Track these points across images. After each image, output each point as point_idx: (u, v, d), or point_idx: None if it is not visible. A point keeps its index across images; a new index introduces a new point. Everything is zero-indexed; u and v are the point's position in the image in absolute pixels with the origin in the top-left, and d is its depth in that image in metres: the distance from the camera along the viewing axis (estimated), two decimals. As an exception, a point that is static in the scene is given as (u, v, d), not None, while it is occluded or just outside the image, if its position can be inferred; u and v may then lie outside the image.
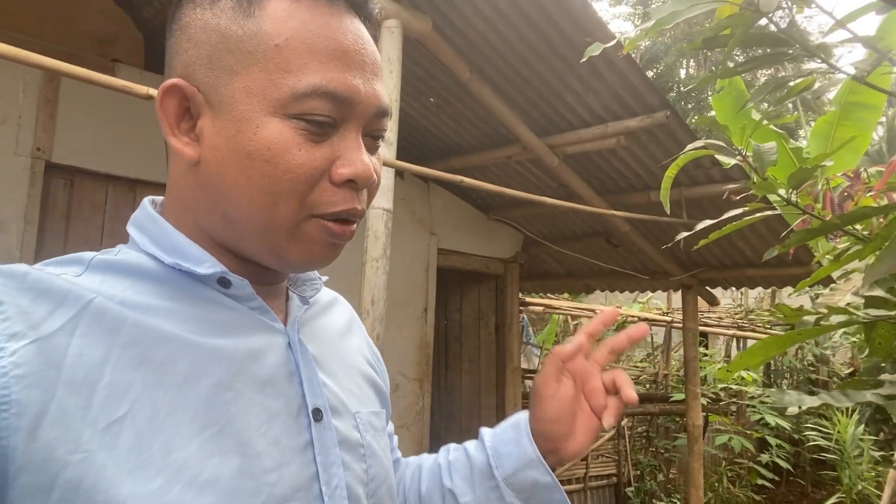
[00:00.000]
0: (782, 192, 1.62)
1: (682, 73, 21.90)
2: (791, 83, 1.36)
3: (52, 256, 0.57)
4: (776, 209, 1.80)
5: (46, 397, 0.47)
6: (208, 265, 0.59)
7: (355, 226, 0.62)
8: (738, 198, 1.80)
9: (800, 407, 1.24)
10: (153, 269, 0.59)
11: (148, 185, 3.87)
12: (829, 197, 1.81)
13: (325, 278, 0.75)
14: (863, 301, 1.46)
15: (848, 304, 1.42)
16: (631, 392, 0.71)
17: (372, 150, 0.62)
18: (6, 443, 0.46)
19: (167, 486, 0.50)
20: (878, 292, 1.28)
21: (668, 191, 1.67)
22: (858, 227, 1.59)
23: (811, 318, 1.38)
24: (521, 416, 0.78)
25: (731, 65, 1.45)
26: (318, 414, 0.62)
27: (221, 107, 0.58)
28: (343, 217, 0.60)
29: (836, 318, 1.24)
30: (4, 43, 1.48)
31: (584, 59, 1.28)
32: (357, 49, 0.59)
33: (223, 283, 0.60)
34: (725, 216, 1.72)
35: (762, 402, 7.08)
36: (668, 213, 1.87)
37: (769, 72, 22.52)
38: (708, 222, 1.69)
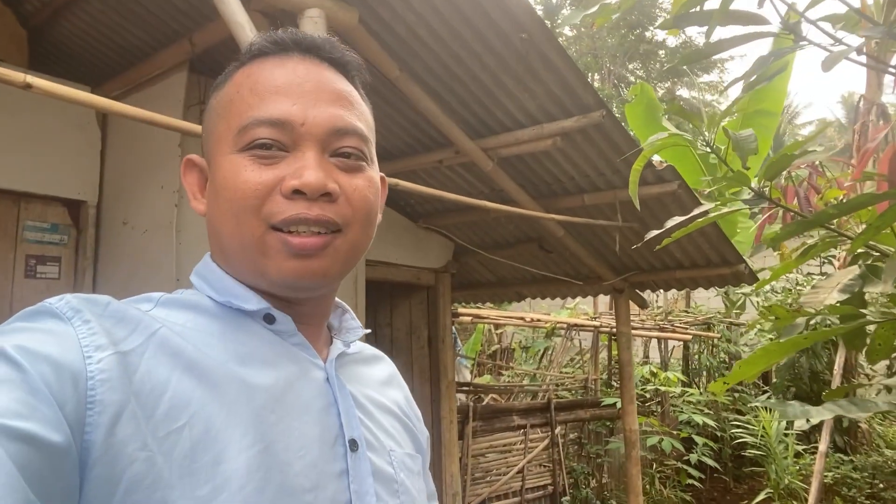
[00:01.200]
0: (754, 184, 1.52)
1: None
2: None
3: None
4: (739, 207, 1.70)
5: (124, 400, 0.54)
6: (255, 302, 0.68)
7: (329, 238, 0.66)
8: (707, 191, 1.69)
9: (808, 420, 1.12)
10: (209, 306, 0.69)
11: (35, 198, 3.43)
12: (793, 189, 1.73)
13: (367, 331, 0.84)
14: (837, 302, 1.37)
15: (836, 301, 1.32)
16: None
17: (349, 169, 0.69)
18: (89, 437, 0.52)
19: (214, 494, 0.55)
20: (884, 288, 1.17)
21: (637, 185, 1.54)
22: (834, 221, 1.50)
23: (803, 321, 1.26)
24: None
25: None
26: (354, 445, 0.67)
27: (209, 164, 0.72)
28: (295, 221, 0.64)
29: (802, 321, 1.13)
30: None
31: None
32: (299, 82, 0.68)
33: (269, 319, 0.69)
34: (693, 213, 1.61)
35: (686, 402, 7.23)
36: (638, 207, 1.75)
37: (667, 85, 23.65)
38: (678, 219, 1.57)
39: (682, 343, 8.78)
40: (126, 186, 3.53)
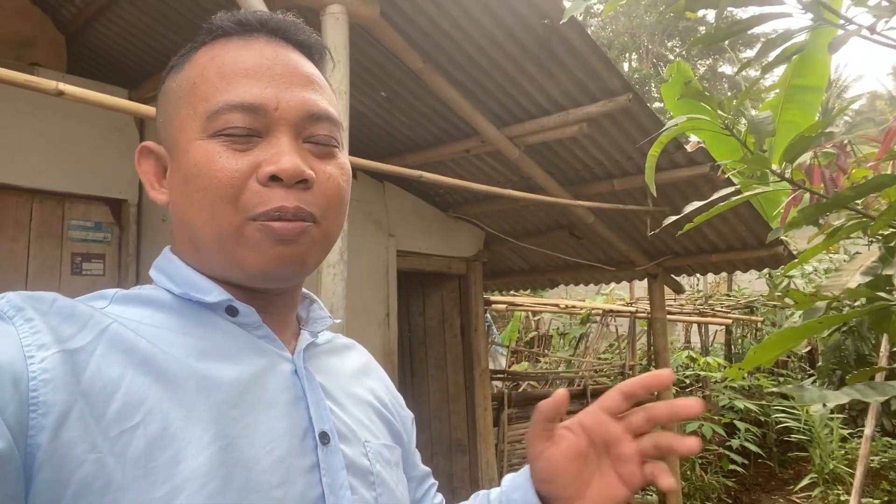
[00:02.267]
0: (775, 166, 1.50)
1: (626, 66, 22.18)
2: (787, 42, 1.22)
3: None
4: (761, 190, 1.67)
5: (70, 400, 0.52)
6: (216, 294, 0.65)
7: (307, 225, 0.64)
8: (726, 175, 1.67)
9: (824, 405, 1.11)
10: (168, 300, 0.65)
11: (78, 198, 3.57)
12: (819, 170, 1.69)
13: (338, 321, 0.82)
14: (867, 282, 1.34)
15: (858, 284, 1.29)
16: (668, 480, 0.66)
17: (322, 155, 0.67)
18: (33, 441, 0.50)
19: (172, 495, 0.53)
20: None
21: (653, 171, 1.53)
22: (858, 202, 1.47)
23: (823, 304, 1.24)
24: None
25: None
26: (325, 437, 0.65)
27: (171, 151, 0.67)
28: (275, 216, 0.62)
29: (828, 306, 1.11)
30: None
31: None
32: (269, 64, 0.65)
33: (231, 311, 0.66)
34: (712, 198, 1.59)
35: (727, 387, 7.11)
36: (653, 195, 1.73)
37: (708, 62, 23.03)
38: (697, 204, 1.56)
39: (724, 327, 8.62)
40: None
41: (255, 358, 0.65)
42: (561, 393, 0.68)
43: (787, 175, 1.49)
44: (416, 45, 2.89)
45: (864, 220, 1.39)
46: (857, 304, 1.56)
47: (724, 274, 8.09)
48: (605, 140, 3.40)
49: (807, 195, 1.76)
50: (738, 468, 6.27)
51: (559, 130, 3.22)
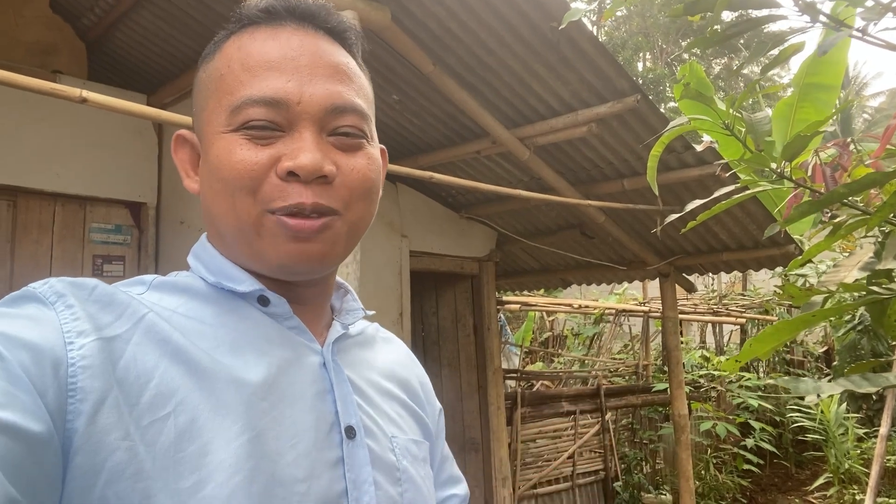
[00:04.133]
0: (774, 165, 1.53)
1: (640, 66, 22.08)
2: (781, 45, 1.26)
3: None
4: (762, 188, 1.70)
5: (106, 387, 0.53)
6: (248, 284, 0.65)
7: (327, 220, 0.63)
8: (727, 174, 1.70)
9: (818, 395, 1.14)
10: (202, 289, 0.66)
11: (99, 202, 3.66)
12: (820, 169, 1.72)
13: (371, 312, 0.80)
14: (864, 277, 1.37)
15: (856, 279, 1.32)
16: None
17: (347, 148, 0.65)
18: (70, 425, 0.50)
19: (199, 486, 0.53)
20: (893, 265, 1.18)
21: (655, 171, 1.57)
22: (857, 198, 1.50)
23: (819, 298, 1.27)
24: None
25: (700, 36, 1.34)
26: (350, 432, 0.64)
27: (202, 142, 0.67)
28: (292, 211, 0.62)
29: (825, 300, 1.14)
30: None
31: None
32: (293, 56, 0.64)
33: (263, 301, 0.66)
34: (714, 196, 1.62)
35: (742, 387, 7.08)
36: (658, 195, 1.77)
37: (724, 61, 22.86)
38: (698, 202, 1.59)
39: (739, 327, 8.58)
40: (182, 188, 3.71)
41: (284, 350, 0.65)
42: None
43: (787, 174, 1.52)
44: (426, 48, 2.94)
45: (864, 216, 1.42)
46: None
47: (739, 273, 8.07)
48: (615, 140, 3.43)
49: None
50: (753, 468, 6.26)
51: (569, 131, 3.26)
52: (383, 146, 0.75)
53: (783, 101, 7.45)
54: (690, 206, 1.60)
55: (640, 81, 18.99)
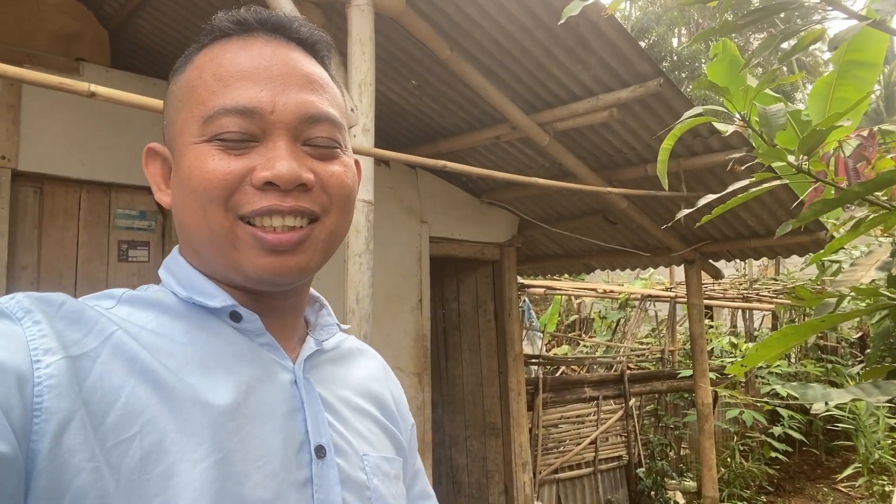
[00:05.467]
0: (791, 158, 1.47)
1: (675, 42, 21.52)
2: (799, 34, 1.20)
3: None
4: (783, 178, 1.64)
5: (72, 407, 0.51)
6: (220, 299, 0.64)
7: (304, 232, 0.63)
8: (741, 168, 1.64)
9: (826, 403, 1.10)
10: (172, 304, 0.65)
11: (123, 188, 3.71)
12: (843, 161, 1.65)
13: (345, 326, 0.79)
14: (885, 278, 1.31)
15: (872, 280, 1.27)
16: None
17: (322, 158, 0.65)
18: (34, 446, 0.49)
19: None
20: (911, 268, 1.12)
21: (666, 164, 1.52)
22: (879, 193, 1.43)
23: (832, 301, 1.22)
24: None
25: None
26: (320, 451, 0.64)
27: (174, 154, 0.66)
28: (264, 214, 0.61)
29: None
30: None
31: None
32: (266, 66, 0.63)
33: (235, 317, 0.65)
34: (729, 189, 1.57)
35: (772, 373, 6.95)
36: (667, 189, 1.72)
37: (762, 36, 22.14)
38: (711, 197, 1.54)
39: (770, 313, 8.41)
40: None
41: (254, 368, 0.64)
42: None
43: (806, 167, 1.46)
44: (443, 33, 2.90)
45: (885, 213, 1.36)
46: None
47: (773, 259, 7.86)
48: (637, 125, 3.35)
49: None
50: (781, 456, 6.16)
51: (589, 116, 3.19)
52: (357, 158, 0.74)
53: (821, 79, 7.19)
54: (703, 201, 1.55)
55: (675, 58, 18.55)
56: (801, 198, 1.95)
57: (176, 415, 0.56)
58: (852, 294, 1.13)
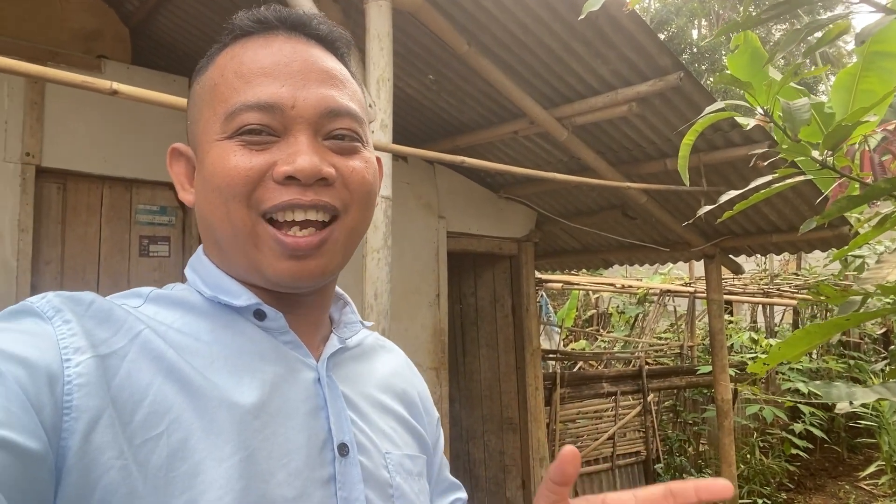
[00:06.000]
0: (816, 154, 1.44)
1: (695, 33, 21.26)
2: (826, 27, 1.17)
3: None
4: (806, 173, 1.62)
5: (101, 406, 0.52)
6: (244, 298, 0.65)
7: (324, 235, 0.63)
8: (765, 164, 1.62)
9: (851, 402, 1.08)
10: (198, 303, 0.66)
11: (144, 184, 3.76)
12: (868, 156, 1.62)
13: (369, 323, 0.79)
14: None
15: (899, 278, 1.25)
16: None
17: (344, 152, 0.65)
18: (64, 443, 0.50)
19: None
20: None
21: (687, 160, 1.50)
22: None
23: (857, 299, 1.21)
24: None
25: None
26: (343, 449, 0.64)
27: (196, 152, 0.68)
28: (286, 208, 0.62)
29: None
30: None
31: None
32: (286, 62, 0.64)
33: (259, 315, 0.66)
34: (750, 186, 1.55)
35: (793, 369, 6.87)
36: (688, 185, 1.70)
37: (785, 27, 21.81)
38: (732, 193, 1.52)
39: (792, 308, 8.31)
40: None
41: (278, 366, 0.64)
42: (568, 453, 0.51)
43: (830, 163, 1.44)
44: (460, 28, 2.89)
45: (912, 209, 1.34)
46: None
47: (795, 253, 7.75)
48: (657, 119, 3.32)
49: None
50: (802, 453, 6.09)
51: (608, 110, 3.17)
52: (379, 155, 0.74)
53: (845, 70, 7.06)
54: (725, 197, 1.54)
55: (695, 50, 18.33)
56: (826, 193, 1.92)
57: (202, 413, 0.57)
58: (878, 292, 1.11)
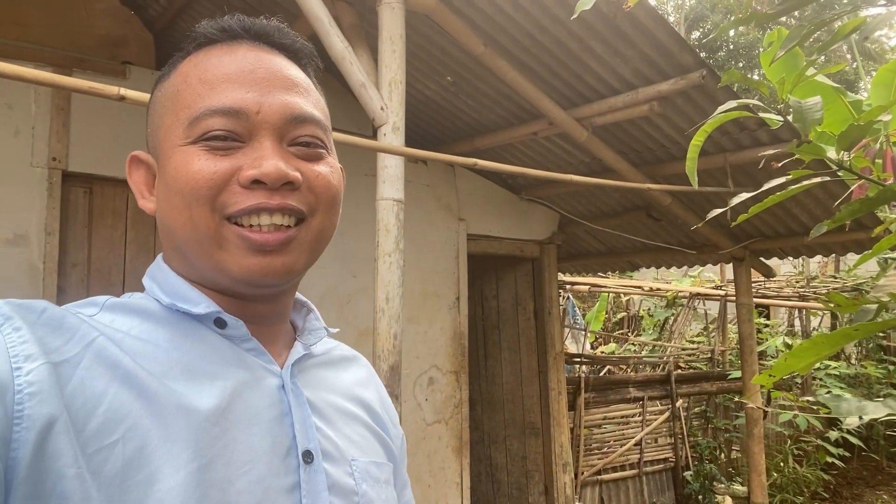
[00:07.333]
0: (832, 154, 1.38)
1: (731, 31, 20.83)
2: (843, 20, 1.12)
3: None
4: (831, 173, 1.55)
5: (54, 413, 0.51)
6: (204, 306, 0.64)
7: (291, 233, 0.63)
8: (778, 165, 1.56)
9: (860, 417, 1.02)
10: (156, 311, 0.64)
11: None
12: (891, 156, 1.54)
13: (334, 330, 0.78)
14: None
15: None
16: None
17: (308, 158, 0.65)
18: (15, 454, 0.49)
19: None
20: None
21: (695, 162, 1.45)
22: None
23: (872, 308, 1.14)
24: None
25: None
26: (308, 456, 0.63)
27: (157, 159, 0.67)
28: (252, 212, 0.61)
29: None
30: (12, 53, 1.37)
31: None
32: (251, 69, 0.65)
33: (220, 323, 0.65)
34: (763, 188, 1.49)
35: (829, 375, 6.66)
36: (696, 187, 1.65)
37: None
38: (744, 195, 1.46)
39: (829, 312, 8.05)
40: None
41: (240, 372, 0.63)
42: None
43: (848, 164, 1.37)
44: (476, 28, 2.86)
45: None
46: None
47: (831, 255, 7.51)
48: (680, 118, 3.24)
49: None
50: (837, 461, 5.90)
51: (629, 110, 3.10)
52: (341, 165, 0.73)
53: (885, 66, 6.83)
54: (737, 200, 1.48)
55: (731, 46, 17.94)
56: (847, 192, 1.84)
57: (159, 420, 0.56)
58: (893, 301, 1.05)
